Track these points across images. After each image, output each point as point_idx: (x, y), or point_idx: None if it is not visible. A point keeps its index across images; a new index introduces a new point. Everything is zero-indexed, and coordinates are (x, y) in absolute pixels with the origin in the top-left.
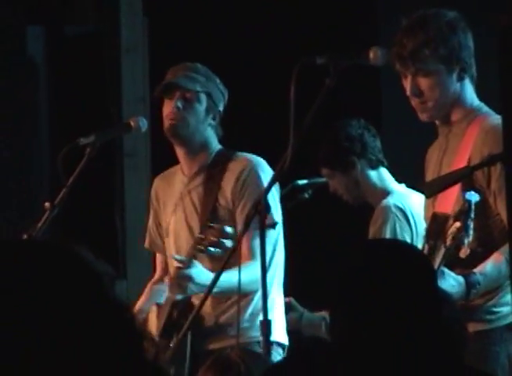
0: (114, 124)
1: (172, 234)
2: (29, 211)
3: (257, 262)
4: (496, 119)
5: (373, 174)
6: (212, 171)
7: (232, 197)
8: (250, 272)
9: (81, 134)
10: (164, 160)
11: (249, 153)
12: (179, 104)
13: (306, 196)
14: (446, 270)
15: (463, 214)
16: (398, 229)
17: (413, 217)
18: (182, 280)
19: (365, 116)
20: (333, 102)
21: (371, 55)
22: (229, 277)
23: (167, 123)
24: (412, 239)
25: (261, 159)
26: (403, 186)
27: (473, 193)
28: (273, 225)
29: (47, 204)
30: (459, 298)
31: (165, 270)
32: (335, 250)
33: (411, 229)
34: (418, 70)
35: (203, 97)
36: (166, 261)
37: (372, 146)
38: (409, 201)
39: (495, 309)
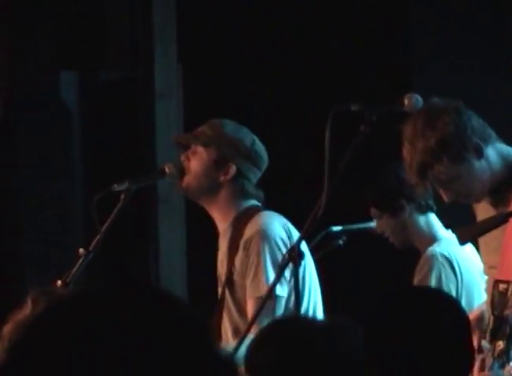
0: (148, 170)
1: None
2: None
3: None
4: None
5: (421, 219)
6: (232, 235)
7: (240, 264)
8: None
9: (115, 180)
10: (198, 207)
11: (278, 207)
12: (183, 157)
13: (340, 242)
14: None
15: (504, 335)
16: (443, 278)
17: (459, 265)
18: None
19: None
20: (367, 147)
21: (406, 102)
22: None
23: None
24: (457, 288)
25: (274, 227)
26: (450, 232)
27: None
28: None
29: (81, 250)
30: None
31: None
32: (371, 297)
33: (456, 279)
34: None
35: (207, 151)
36: None
37: None
38: (456, 249)
39: None
